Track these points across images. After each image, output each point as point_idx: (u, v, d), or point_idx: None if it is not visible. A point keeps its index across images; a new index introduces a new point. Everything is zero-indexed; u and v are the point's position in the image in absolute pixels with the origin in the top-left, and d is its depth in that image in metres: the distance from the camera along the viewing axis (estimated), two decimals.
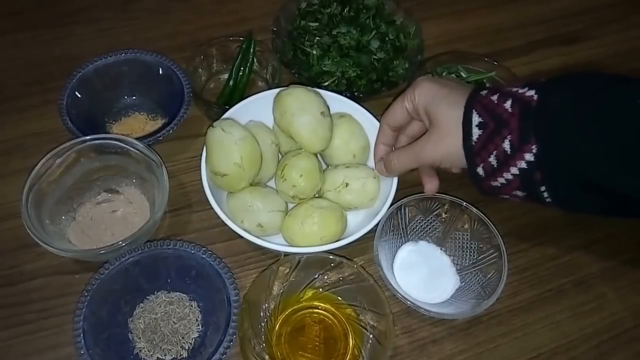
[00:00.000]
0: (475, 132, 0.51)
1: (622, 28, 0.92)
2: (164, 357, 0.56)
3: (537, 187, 0.49)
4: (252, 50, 0.75)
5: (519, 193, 0.51)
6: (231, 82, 0.75)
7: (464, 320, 0.60)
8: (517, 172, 0.49)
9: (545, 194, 0.49)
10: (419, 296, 0.60)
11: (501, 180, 0.51)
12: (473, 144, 0.51)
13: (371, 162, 0.67)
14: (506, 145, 0.49)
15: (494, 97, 0.51)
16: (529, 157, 0.47)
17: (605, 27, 0.92)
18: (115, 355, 0.55)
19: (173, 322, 0.57)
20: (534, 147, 0.47)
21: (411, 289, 0.61)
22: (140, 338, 0.57)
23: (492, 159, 0.50)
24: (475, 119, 0.51)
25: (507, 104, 0.49)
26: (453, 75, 0.77)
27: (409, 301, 0.56)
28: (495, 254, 0.59)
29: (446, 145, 0.54)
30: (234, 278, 0.58)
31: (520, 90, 0.50)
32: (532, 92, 0.49)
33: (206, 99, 0.73)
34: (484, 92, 0.52)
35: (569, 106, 0.46)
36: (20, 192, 0.58)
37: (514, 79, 0.75)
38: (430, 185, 0.62)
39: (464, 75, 0.77)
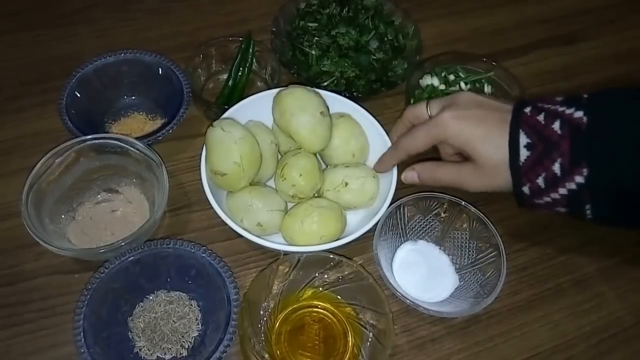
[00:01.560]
0: (523, 153, 0.50)
1: (621, 28, 0.92)
2: (163, 356, 0.56)
3: (582, 205, 0.48)
4: (251, 50, 0.75)
5: (562, 209, 0.50)
6: (230, 82, 0.75)
7: (462, 319, 0.61)
8: (566, 193, 0.48)
9: (589, 212, 0.49)
10: (418, 295, 0.60)
11: (547, 199, 0.50)
12: (521, 164, 0.50)
13: (370, 162, 0.67)
14: (556, 168, 0.48)
15: (540, 117, 0.49)
16: (579, 179, 0.47)
17: (605, 27, 0.92)
18: (115, 354, 0.55)
19: (173, 321, 0.57)
20: (585, 170, 0.46)
21: (410, 288, 0.61)
22: (140, 337, 0.57)
23: (540, 181, 0.49)
24: (523, 139, 0.50)
25: (556, 126, 0.48)
26: (452, 76, 0.77)
27: (408, 300, 0.56)
28: (494, 253, 0.60)
29: (494, 184, 0.53)
30: (234, 277, 0.58)
31: (567, 111, 0.48)
32: (580, 114, 0.47)
33: (205, 99, 0.73)
34: (527, 110, 0.51)
35: (620, 129, 0.46)
36: (20, 191, 0.58)
37: (522, 88, 0.74)
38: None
39: (462, 76, 0.77)
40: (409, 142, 0.58)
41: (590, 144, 0.46)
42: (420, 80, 0.76)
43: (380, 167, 0.64)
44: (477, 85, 0.77)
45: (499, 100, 0.55)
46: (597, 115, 0.47)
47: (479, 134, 0.53)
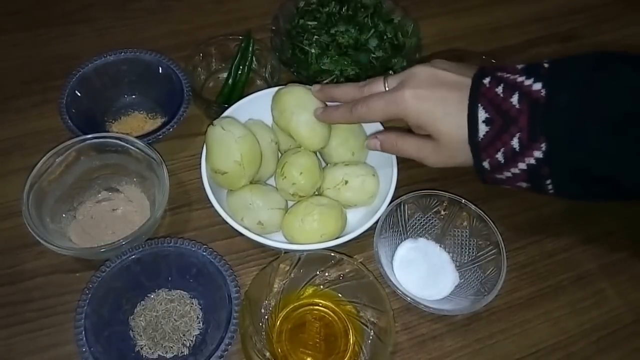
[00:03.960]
0: (482, 129, 0.49)
1: (618, 26, 0.92)
2: (165, 355, 0.56)
3: (543, 180, 0.48)
4: (251, 49, 0.76)
5: (523, 184, 0.50)
6: (230, 81, 0.75)
7: (463, 316, 0.61)
8: (525, 168, 0.48)
9: (550, 186, 0.49)
10: (419, 293, 0.60)
11: (507, 174, 0.50)
12: (479, 140, 0.50)
13: (370, 160, 0.67)
14: (515, 143, 0.48)
15: (499, 89, 0.49)
16: (537, 154, 0.47)
17: (602, 25, 0.92)
18: (117, 353, 0.55)
19: (174, 319, 0.57)
20: (543, 145, 0.46)
21: (411, 286, 0.61)
22: (141, 336, 0.57)
23: (500, 156, 0.49)
24: (482, 114, 0.49)
25: (514, 99, 0.48)
26: None
27: (409, 298, 0.56)
28: (494, 251, 0.60)
29: (455, 161, 0.54)
30: (235, 275, 0.58)
31: (527, 82, 0.48)
32: (538, 86, 0.47)
33: (205, 97, 0.73)
34: (486, 82, 0.50)
35: (579, 103, 0.45)
36: (20, 190, 0.58)
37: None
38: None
39: None
40: (364, 111, 0.57)
41: (549, 118, 0.46)
42: None
43: (324, 116, 0.61)
44: None
45: (459, 69, 0.54)
46: (555, 88, 0.46)
47: (439, 115, 0.52)
